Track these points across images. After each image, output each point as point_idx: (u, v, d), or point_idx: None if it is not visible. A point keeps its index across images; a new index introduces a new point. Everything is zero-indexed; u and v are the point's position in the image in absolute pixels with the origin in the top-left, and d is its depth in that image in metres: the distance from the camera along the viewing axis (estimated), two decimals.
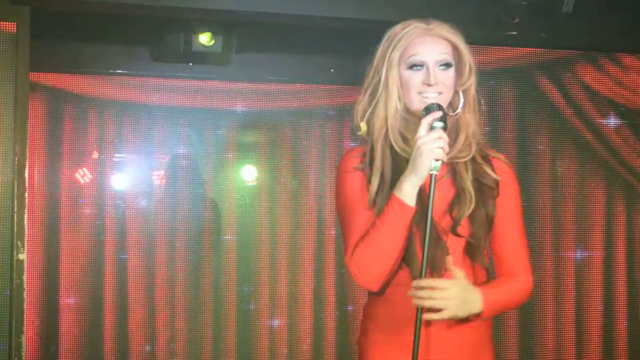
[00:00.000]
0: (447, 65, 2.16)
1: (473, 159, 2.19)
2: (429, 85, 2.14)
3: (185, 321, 4.73)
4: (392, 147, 2.19)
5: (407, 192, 2.07)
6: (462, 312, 2.08)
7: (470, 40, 4.37)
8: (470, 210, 2.14)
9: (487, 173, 2.20)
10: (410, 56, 2.15)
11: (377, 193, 2.15)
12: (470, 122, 2.21)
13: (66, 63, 4.51)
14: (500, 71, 4.42)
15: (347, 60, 4.73)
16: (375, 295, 2.22)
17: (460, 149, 2.18)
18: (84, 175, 4.67)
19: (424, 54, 2.15)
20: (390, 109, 2.18)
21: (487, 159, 2.23)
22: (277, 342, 4.80)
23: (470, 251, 2.17)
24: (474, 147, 2.20)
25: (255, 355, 4.77)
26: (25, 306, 3.83)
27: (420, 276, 2.06)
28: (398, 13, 3.94)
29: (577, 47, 4.46)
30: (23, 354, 3.85)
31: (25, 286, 3.82)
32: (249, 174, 4.86)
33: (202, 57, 4.48)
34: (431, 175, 2.04)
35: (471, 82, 2.21)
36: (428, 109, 2.09)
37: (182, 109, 4.75)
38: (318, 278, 4.79)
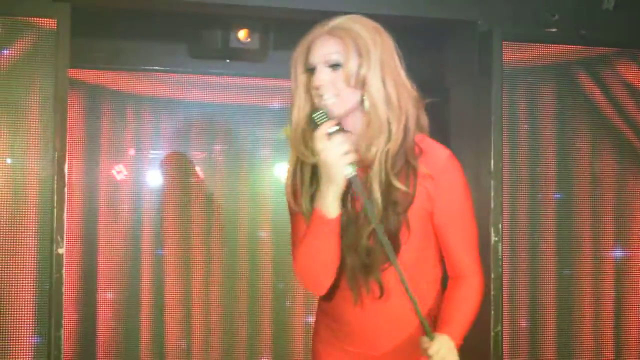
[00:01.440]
0: (336, 65, 2.11)
1: (392, 165, 2.11)
2: (315, 88, 2.10)
3: (221, 317, 4.74)
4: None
5: (329, 203, 2.06)
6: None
7: (509, 37, 4.36)
8: (372, 226, 2.10)
9: (394, 187, 2.12)
10: (306, 60, 2.15)
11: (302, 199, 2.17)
12: (381, 117, 2.11)
13: (105, 59, 4.54)
14: (539, 68, 4.40)
15: None
16: (325, 293, 2.23)
17: (368, 151, 2.13)
18: (120, 172, 4.70)
19: (313, 56, 2.13)
20: (294, 116, 2.17)
21: (409, 164, 2.13)
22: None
23: (366, 268, 2.15)
24: (394, 135, 2.11)
25: (290, 352, 4.78)
26: (64, 300, 3.88)
27: (354, 279, 2.14)
28: (442, 9, 3.94)
29: (618, 44, 4.43)
30: (62, 347, 3.90)
31: (64, 280, 3.87)
32: (284, 170, 4.85)
33: (239, 53, 4.51)
34: (350, 180, 2.04)
35: (364, 74, 2.10)
36: (312, 120, 2.07)
37: (219, 105, 4.77)
38: None
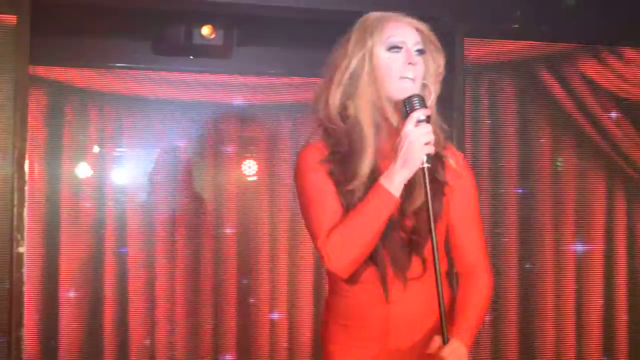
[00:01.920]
0: (422, 51, 2.19)
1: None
2: (410, 63, 2.15)
3: (185, 314, 4.73)
4: (375, 130, 2.18)
5: (397, 183, 2.08)
6: None
7: (472, 33, 4.39)
8: (418, 205, 2.15)
9: (437, 171, 2.20)
10: (390, 37, 2.16)
11: (363, 181, 2.14)
12: (436, 118, 2.22)
13: (67, 56, 4.51)
14: (501, 64, 4.42)
15: None
16: (338, 292, 2.25)
17: None
18: (84, 169, 4.66)
19: (402, 35, 2.17)
20: (375, 91, 2.16)
21: (439, 157, 2.22)
22: (276, 334, 4.80)
23: (412, 245, 2.19)
24: (441, 142, 2.21)
25: (255, 348, 4.78)
26: (25, 299, 3.85)
27: (386, 274, 2.15)
28: (400, 6, 3.95)
29: (579, 40, 4.46)
30: (23, 347, 3.86)
31: (25, 279, 3.83)
32: (249, 167, 4.85)
33: (203, 50, 4.49)
34: (423, 169, 2.06)
35: (441, 76, 2.24)
36: (410, 102, 2.10)
37: (183, 102, 4.75)
38: (318, 271, 4.78)
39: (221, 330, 4.76)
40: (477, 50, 4.34)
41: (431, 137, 2.06)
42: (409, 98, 2.10)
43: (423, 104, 2.10)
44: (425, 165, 2.06)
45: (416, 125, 2.06)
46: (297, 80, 4.83)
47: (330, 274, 2.26)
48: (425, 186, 2.06)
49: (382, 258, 2.17)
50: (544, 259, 4.48)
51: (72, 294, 4.59)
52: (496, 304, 4.39)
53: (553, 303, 4.50)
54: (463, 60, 4.23)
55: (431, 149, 2.07)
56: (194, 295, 4.75)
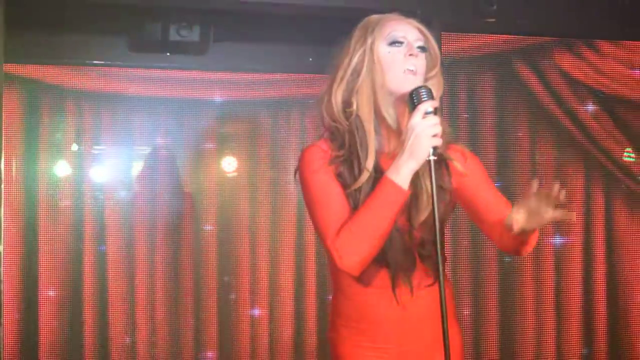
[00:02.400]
0: (423, 48, 2.22)
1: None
2: (412, 55, 2.17)
3: (166, 312, 4.71)
4: (375, 127, 2.20)
5: (405, 177, 2.08)
6: None
7: (448, 27, 4.39)
8: (425, 216, 2.17)
9: (443, 174, 2.22)
10: (391, 32, 2.20)
11: (368, 178, 2.15)
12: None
13: (42, 53, 4.47)
14: (478, 58, 4.44)
15: (325, 50, 4.74)
16: (349, 295, 2.24)
17: None
18: (62, 167, 4.64)
19: (403, 31, 2.21)
20: (377, 84, 2.19)
21: (443, 159, 2.24)
22: (258, 331, 4.79)
23: (422, 256, 2.21)
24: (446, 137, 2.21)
25: (236, 345, 4.76)
26: (3, 298, 3.81)
27: (397, 280, 2.17)
28: (377, 1, 3.95)
29: (556, 33, 4.48)
30: (2, 346, 3.82)
31: (2, 278, 3.79)
32: (228, 164, 4.84)
33: (179, 47, 4.46)
34: (429, 161, 2.06)
35: (439, 78, 2.26)
36: (417, 93, 2.10)
37: (160, 99, 4.73)
38: (299, 267, 4.79)
39: (202, 327, 4.74)
40: (454, 44, 4.36)
41: (439, 129, 2.07)
42: (416, 89, 2.11)
43: (430, 96, 2.11)
44: (432, 157, 2.06)
45: (423, 117, 2.07)
46: (274, 76, 4.82)
47: (337, 276, 2.26)
48: (431, 178, 2.06)
49: (392, 262, 2.18)
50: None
51: (51, 293, 4.56)
52: (476, 296, 4.41)
53: (533, 295, 4.52)
54: (440, 54, 4.24)
55: (438, 142, 2.07)
56: (174, 293, 4.73)
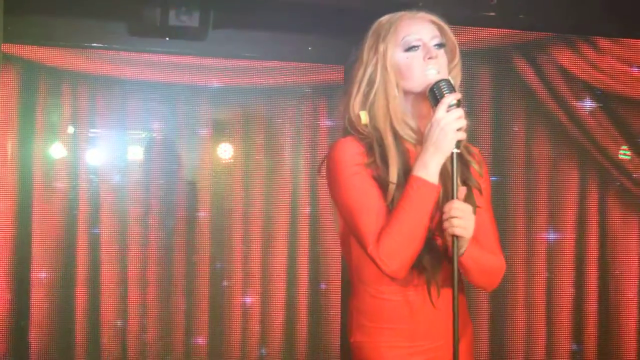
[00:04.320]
0: (441, 45, 2.18)
1: (461, 154, 2.14)
2: (431, 58, 2.14)
3: (158, 297, 4.71)
4: (397, 137, 2.17)
5: (433, 171, 2.05)
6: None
7: (448, 20, 4.36)
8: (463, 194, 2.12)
9: (471, 173, 2.20)
10: (405, 37, 2.16)
11: (396, 188, 2.11)
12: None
13: (41, 35, 4.45)
14: (477, 52, 4.43)
15: (324, 39, 4.74)
16: (378, 296, 2.19)
17: None
18: (57, 150, 4.62)
19: (418, 33, 2.16)
20: (390, 95, 2.16)
21: (466, 161, 2.22)
22: (249, 319, 4.80)
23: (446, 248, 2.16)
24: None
25: (227, 332, 4.76)
26: None
27: (432, 280, 2.15)
28: None
29: (554, 29, 4.48)
30: None
31: None
32: (224, 150, 4.82)
33: (178, 32, 4.43)
34: (453, 154, 2.04)
35: (459, 66, 2.25)
36: (439, 87, 2.07)
37: (158, 84, 4.71)
38: (291, 256, 4.78)
39: (193, 313, 4.74)
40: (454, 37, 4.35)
41: (463, 123, 2.04)
42: (437, 83, 2.08)
43: (452, 88, 2.08)
44: (455, 150, 2.04)
45: (447, 111, 2.04)
46: (272, 63, 4.80)
47: (366, 278, 2.20)
48: (453, 172, 2.04)
49: (424, 263, 2.14)
50: (515, 247, 4.50)
51: (43, 275, 4.55)
52: (467, 292, 4.41)
53: (524, 290, 4.53)
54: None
55: (463, 135, 2.05)
56: (166, 278, 4.72)
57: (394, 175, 2.12)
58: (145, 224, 4.71)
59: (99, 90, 4.67)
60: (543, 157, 4.57)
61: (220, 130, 4.80)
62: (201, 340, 4.73)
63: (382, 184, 2.13)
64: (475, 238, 2.12)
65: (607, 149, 4.61)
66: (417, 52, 2.15)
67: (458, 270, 2.09)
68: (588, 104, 4.58)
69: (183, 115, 4.77)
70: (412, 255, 2.09)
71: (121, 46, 4.60)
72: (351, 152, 2.16)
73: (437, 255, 2.16)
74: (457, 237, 2.05)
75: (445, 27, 2.21)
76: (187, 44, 4.57)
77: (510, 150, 4.52)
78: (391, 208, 2.10)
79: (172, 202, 4.74)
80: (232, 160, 4.83)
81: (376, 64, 2.17)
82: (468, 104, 4.36)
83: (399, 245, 2.07)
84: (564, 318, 4.58)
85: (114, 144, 4.71)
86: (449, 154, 2.04)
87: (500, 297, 4.49)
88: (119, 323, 4.65)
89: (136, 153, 4.74)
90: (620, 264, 4.62)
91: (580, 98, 4.56)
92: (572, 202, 4.59)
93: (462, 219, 2.03)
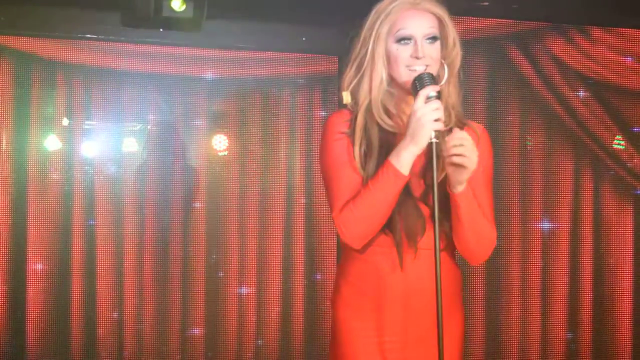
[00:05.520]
0: (434, 38, 2.23)
1: (450, 130, 2.20)
2: (417, 58, 2.20)
3: (154, 288, 4.72)
4: (372, 119, 2.25)
5: (405, 161, 2.13)
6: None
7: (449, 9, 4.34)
8: (441, 177, 2.19)
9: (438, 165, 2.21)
10: (399, 30, 2.22)
11: (365, 159, 2.22)
12: (452, 94, 2.29)
13: (33, 25, 4.45)
14: (471, 41, 4.45)
15: (318, 30, 4.74)
16: (354, 255, 2.29)
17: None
18: (52, 142, 4.62)
19: (411, 28, 2.21)
20: (375, 81, 2.24)
21: (466, 126, 2.29)
22: (245, 309, 4.81)
23: (432, 218, 2.19)
24: (453, 118, 2.27)
25: (223, 322, 4.77)
26: None
27: (401, 242, 2.21)
28: None
29: (548, 18, 4.52)
30: None
31: None
32: (218, 141, 4.83)
33: (172, 23, 4.44)
34: (431, 143, 2.10)
35: (456, 54, 2.30)
36: (420, 79, 2.13)
37: (152, 75, 4.72)
38: (287, 247, 4.79)
39: (189, 304, 4.76)
40: None
41: (440, 114, 2.09)
42: (419, 76, 2.14)
43: (432, 81, 2.13)
44: (434, 140, 2.09)
45: (426, 102, 2.09)
46: (267, 54, 4.81)
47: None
48: (433, 161, 2.09)
49: (398, 227, 2.22)
50: (510, 236, 4.54)
51: (39, 266, 4.57)
52: (464, 279, 4.42)
53: (519, 279, 4.57)
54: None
55: (440, 125, 2.09)
56: (162, 269, 4.74)
57: (358, 145, 2.22)
58: (141, 215, 4.72)
59: (93, 81, 4.67)
60: (537, 145, 4.59)
61: (215, 121, 4.81)
62: (197, 331, 4.74)
63: (361, 149, 2.25)
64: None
65: (602, 138, 4.63)
66: (407, 47, 2.21)
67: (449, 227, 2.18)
68: (582, 94, 4.60)
69: (178, 106, 4.77)
70: (369, 231, 2.20)
71: (115, 37, 4.61)
72: (337, 121, 2.28)
73: (419, 221, 2.22)
74: (458, 167, 2.11)
75: (445, 17, 2.24)
76: (181, 35, 4.57)
77: (505, 139, 4.54)
78: (363, 178, 2.21)
79: (167, 193, 4.75)
80: (227, 152, 4.83)
81: (369, 47, 2.24)
82: (463, 92, 4.39)
83: (357, 219, 2.18)
84: (559, 306, 4.61)
85: (109, 135, 4.71)
86: (425, 144, 2.10)
87: (496, 285, 4.52)
88: (115, 315, 4.66)
89: (131, 144, 4.74)
90: (614, 252, 4.66)
91: (574, 87, 4.59)
92: (566, 191, 4.62)
93: (463, 147, 2.09)
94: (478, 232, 2.24)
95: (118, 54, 4.67)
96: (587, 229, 4.65)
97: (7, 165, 4.51)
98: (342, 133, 2.25)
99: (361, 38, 2.26)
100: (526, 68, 4.55)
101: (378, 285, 2.25)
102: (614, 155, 4.63)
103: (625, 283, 4.64)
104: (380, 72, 2.23)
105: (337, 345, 2.31)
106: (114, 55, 4.67)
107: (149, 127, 4.77)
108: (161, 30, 4.53)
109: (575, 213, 4.64)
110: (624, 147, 4.63)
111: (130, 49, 4.68)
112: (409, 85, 2.18)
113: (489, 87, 4.51)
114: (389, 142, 2.23)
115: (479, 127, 2.36)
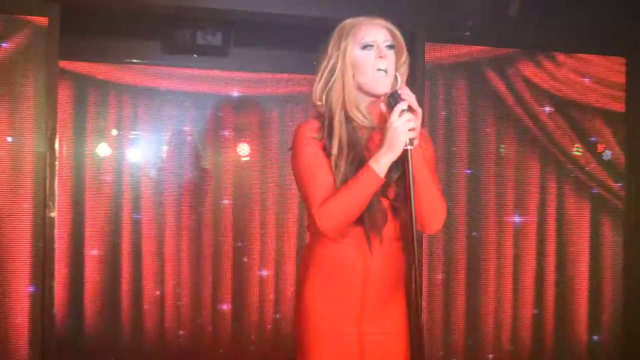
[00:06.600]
0: (391, 46, 2.23)
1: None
2: (381, 57, 2.19)
3: (190, 271, 4.75)
4: (347, 117, 2.22)
5: (383, 165, 2.11)
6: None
7: (431, 39, 4.35)
8: (398, 174, 2.19)
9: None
10: (363, 38, 2.21)
11: (338, 157, 2.18)
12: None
13: (90, 53, 4.51)
14: (455, 65, 4.42)
15: None
16: (326, 242, 2.22)
17: None
18: (104, 149, 4.66)
19: (373, 35, 2.21)
20: (347, 84, 2.20)
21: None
22: (265, 289, 4.84)
23: (394, 209, 2.21)
24: None
25: (247, 300, 4.81)
26: (55, 255, 3.88)
27: (370, 232, 2.18)
28: (370, 13, 3.94)
29: (519, 45, 4.48)
30: (54, 295, 3.92)
31: (55, 239, 3.87)
32: (242, 149, 4.87)
33: (205, 49, 4.50)
34: (407, 150, 2.10)
35: (407, 64, 2.27)
36: (394, 96, 2.13)
37: (187, 94, 4.76)
38: (300, 236, 4.80)
39: (219, 284, 4.77)
40: (436, 53, 4.36)
41: (412, 124, 2.09)
42: (393, 93, 2.14)
43: (402, 99, 2.11)
44: (408, 147, 2.09)
45: (400, 115, 2.10)
46: (284, 76, 4.84)
47: (317, 230, 2.22)
48: (408, 164, 2.09)
49: (364, 218, 2.18)
50: (487, 228, 4.50)
51: (94, 252, 4.61)
52: (447, 265, 4.40)
53: (495, 264, 4.50)
54: (424, 61, 4.27)
55: (414, 134, 2.09)
56: (196, 255, 4.76)
57: (335, 147, 2.18)
58: (178, 210, 4.74)
59: (138, 98, 4.71)
60: (510, 153, 4.53)
61: (240, 132, 4.83)
62: (226, 307, 4.78)
63: (328, 154, 2.19)
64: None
65: (563, 146, 4.59)
66: (371, 51, 2.20)
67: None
68: (548, 109, 4.56)
69: (208, 120, 4.81)
70: (345, 224, 2.15)
71: (157, 62, 4.67)
72: (306, 129, 2.22)
73: (382, 213, 2.18)
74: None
75: (396, 32, 2.25)
76: (212, 60, 4.62)
77: (483, 147, 4.49)
78: (335, 175, 2.16)
79: (200, 192, 4.79)
80: (249, 157, 4.86)
81: (337, 57, 2.21)
82: (447, 109, 4.41)
83: (336, 213, 2.13)
84: (527, 286, 4.56)
85: (151, 143, 4.75)
86: (400, 150, 2.09)
87: (475, 269, 4.46)
88: (157, 292, 4.70)
89: (169, 151, 4.77)
90: (573, 241, 4.62)
91: (541, 104, 4.53)
92: (534, 190, 4.58)
93: (412, 97, 2.11)
94: (433, 199, 2.20)
95: (159, 75, 4.72)
96: (551, 222, 4.60)
97: (67, 169, 4.55)
98: (312, 138, 2.19)
99: (328, 53, 2.24)
100: (501, 87, 4.50)
101: (346, 269, 2.20)
102: (574, 160, 4.61)
103: (582, 267, 4.61)
104: (350, 76, 2.19)
105: (304, 326, 2.24)
106: (156, 76, 4.72)
107: (184, 136, 4.80)
108: (195, 56, 4.59)
109: (542, 209, 4.59)
110: (582, 154, 4.60)
111: (169, 72, 4.72)
112: (375, 92, 2.19)
113: (470, 104, 4.45)
114: (357, 142, 2.20)
115: (425, 132, 2.33)
